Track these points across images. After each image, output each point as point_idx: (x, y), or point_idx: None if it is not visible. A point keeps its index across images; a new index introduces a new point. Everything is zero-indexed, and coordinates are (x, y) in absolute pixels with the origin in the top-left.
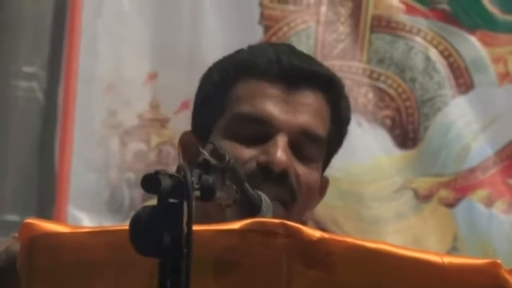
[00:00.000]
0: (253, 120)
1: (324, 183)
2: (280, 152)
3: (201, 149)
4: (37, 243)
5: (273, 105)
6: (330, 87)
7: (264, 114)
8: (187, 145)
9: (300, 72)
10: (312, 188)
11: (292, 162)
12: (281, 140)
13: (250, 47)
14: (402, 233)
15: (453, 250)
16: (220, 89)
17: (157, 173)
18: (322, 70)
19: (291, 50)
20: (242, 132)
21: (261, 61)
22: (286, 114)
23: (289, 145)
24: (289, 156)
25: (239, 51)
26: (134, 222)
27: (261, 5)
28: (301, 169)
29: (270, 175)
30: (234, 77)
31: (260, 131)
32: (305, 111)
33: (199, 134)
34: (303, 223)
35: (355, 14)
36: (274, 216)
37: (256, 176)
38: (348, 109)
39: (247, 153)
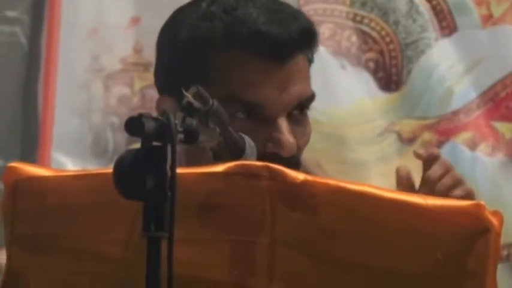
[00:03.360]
0: (250, 106)
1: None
2: (287, 136)
3: (184, 92)
4: (21, 186)
5: (266, 86)
6: (310, 44)
7: (261, 99)
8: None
9: (283, 44)
10: (308, 142)
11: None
12: (283, 123)
13: (224, 10)
14: (386, 175)
15: None
16: (196, 57)
17: (141, 116)
18: (303, 31)
19: (268, 10)
20: (238, 118)
21: (239, 33)
22: (281, 92)
23: (287, 117)
24: (293, 136)
25: (209, 15)
26: (118, 165)
27: None
28: (299, 134)
29: (280, 159)
30: (211, 47)
31: (258, 115)
32: (296, 80)
33: (177, 96)
34: None
35: None
36: None
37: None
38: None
39: (254, 135)
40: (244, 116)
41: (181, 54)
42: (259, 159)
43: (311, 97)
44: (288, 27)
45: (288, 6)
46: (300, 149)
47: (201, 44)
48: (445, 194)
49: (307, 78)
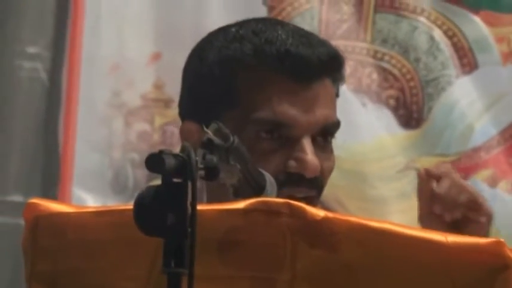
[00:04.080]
0: (274, 125)
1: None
2: (311, 156)
3: (205, 129)
4: (41, 223)
5: (291, 105)
6: (338, 69)
7: (286, 118)
8: (190, 134)
9: (311, 65)
10: (332, 170)
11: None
12: (307, 144)
13: (253, 32)
14: (406, 212)
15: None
16: (223, 78)
17: (161, 152)
18: (330, 55)
19: (296, 34)
20: (262, 138)
21: (268, 52)
22: (306, 113)
23: (311, 139)
24: (317, 157)
25: (239, 37)
26: (138, 202)
27: None
28: (324, 160)
29: (302, 180)
30: (239, 67)
31: (282, 135)
32: (322, 103)
33: (202, 121)
34: None
35: None
36: None
37: (287, 183)
38: (343, 80)
39: (274, 162)
40: (268, 136)
41: (208, 76)
42: (281, 179)
43: (336, 124)
44: (316, 49)
45: (314, 33)
46: (323, 174)
47: (230, 64)
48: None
49: (333, 104)
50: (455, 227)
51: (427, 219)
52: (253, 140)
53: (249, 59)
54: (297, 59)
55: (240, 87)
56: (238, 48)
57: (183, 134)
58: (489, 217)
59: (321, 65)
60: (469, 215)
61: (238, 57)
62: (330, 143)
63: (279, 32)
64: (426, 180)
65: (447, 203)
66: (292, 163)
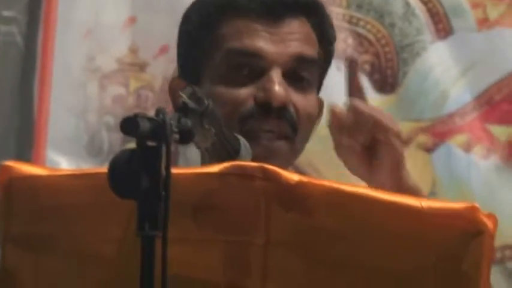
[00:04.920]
0: (243, 56)
1: (319, 104)
2: (278, 86)
3: (180, 93)
4: (15, 185)
5: (261, 39)
6: (312, 10)
7: (253, 48)
8: (176, 91)
9: (281, 4)
10: (311, 116)
11: (289, 94)
12: (276, 74)
13: None
14: None
15: (431, 195)
16: (204, 30)
17: (136, 115)
18: None
19: None
20: (234, 71)
21: (238, 1)
22: (276, 45)
23: (283, 75)
24: (286, 89)
25: None
26: (113, 165)
27: None
28: (298, 99)
29: (270, 111)
30: (216, 17)
31: (252, 67)
32: (294, 39)
33: (188, 78)
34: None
35: None
36: (279, 153)
37: (255, 114)
38: (331, 27)
39: (243, 93)
40: (240, 72)
41: (188, 29)
42: (250, 111)
43: (310, 59)
44: None
45: None
46: (298, 112)
47: (206, 10)
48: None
49: (307, 40)
50: (370, 155)
51: (341, 152)
52: (226, 75)
53: (224, 4)
54: (258, 2)
55: (216, 29)
56: (211, 2)
57: (171, 91)
58: (397, 135)
59: (282, 5)
60: (378, 137)
61: (210, 11)
62: (309, 84)
63: None
64: (333, 114)
65: (353, 132)
66: (259, 94)
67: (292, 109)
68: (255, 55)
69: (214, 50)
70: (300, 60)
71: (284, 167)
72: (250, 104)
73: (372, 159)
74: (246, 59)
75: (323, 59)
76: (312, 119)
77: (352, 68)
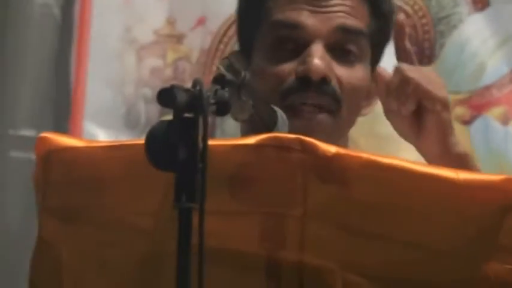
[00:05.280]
0: (285, 28)
1: (375, 80)
2: (317, 59)
3: (218, 65)
4: (53, 156)
5: (303, 11)
6: None
7: (294, 20)
8: None
9: None
10: (357, 89)
11: (332, 67)
12: (316, 47)
13: None
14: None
15: None
16: (254, 4)
17: (173, 87)
18: None
19: None
20: (278, 45)
21: None
22: (317, 18)
23: (327, 49)
24: (327, 62)
25: None
26: (150, 137)
27: None
28: (342, 71)
29: (310, 84)
30: None
31: (295, 41)
32: (336, 11)
33: (244, 52)
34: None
35: None
36: (321, 127)
37: (296, 88)
38: (385, 1)
39: (286, 68)
40: (284, 47)
41: (243, 9)
42: (291, 85)
43: (354, 30)
44: None
45: None
46: (341, 85)
47: None
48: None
49: (352, 12)
50: (418, 120)
51: (389, 115)
52: (271, 49)
53: None
54: None
55: (265, 2)
56: None
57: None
58: (443, 103)
59: None
60: (423, 104)
61: None
62: (356, 57)
63: None
64: (379, 77)
65: (399, 97)
66: (299, 68)
67: (334, 82)
68: (296, 27)
69: (262, 24)
70: (343, 31)
71: (330, 141)
72: (291, 78)
73: (420, 124)
74: (287, 31)
75: (376, 31)
76: (359, 92)
77: (399, 32)
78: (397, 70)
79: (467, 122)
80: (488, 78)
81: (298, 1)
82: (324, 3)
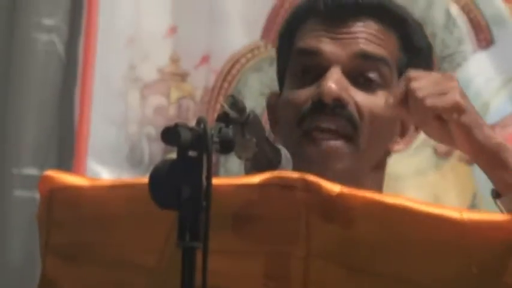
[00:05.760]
0: (305, 55)
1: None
2: (330, 81)
3: (222, 103)
4: (56, 195)
5: (321, 38)
6: (382, 13)
7: (313, 47)
8: (272, 104)
9: (343, 7)
10: (378, 117)
11: (349, 91)
12: (332, 72)
13: None
14: (422, 189)
15: (472, 207)
16: (285, 38)
17: (177, 125)
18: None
19: None
20: (301, 73)
21: (309, 3)
22: (336, 45)
23: (346, 75)
24: (342, 85)
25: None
26: (154, 175)
27: None
28: (361, 97)
29: (324, 108)
30: (294, 24)
31: (315, 68)
32: (355, 37)
33: (280, 89)
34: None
35: None
36: (336, 154)
37: (311, 112)
38: (420, 34)
39: (304, 94)
40: (305, 75)
41: (278, 44)
42: (307, 109)
43: (374, 57)
44: None
45: None
46: (360, 111)
47: (286, 28)
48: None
49: (374, 40)
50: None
51: (415, 122)
52: (295, 78)
53: (303, 6)
54: (330, 1)
55: (294, 36)
56: (295, 8)
57: (267, 106)
58: (457, 108)
59: (356, 5)
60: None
61: (295, 10)
62: (379, 84)
63: None
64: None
65: (411, 109)
66: (314, 92)
67: (352, 106)
68: (315, 54)
69: (290, 54)
70: (362, 57)
71: (349, 171)
72: (308, 104)
73: (448, 128)
74: (308, 58)
75: (406, 64)
76: (383, 121)
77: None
78: (403, 79)
79: (470, 162)
80: (492, 117)
81: (319, 29)
82: (344, 30)
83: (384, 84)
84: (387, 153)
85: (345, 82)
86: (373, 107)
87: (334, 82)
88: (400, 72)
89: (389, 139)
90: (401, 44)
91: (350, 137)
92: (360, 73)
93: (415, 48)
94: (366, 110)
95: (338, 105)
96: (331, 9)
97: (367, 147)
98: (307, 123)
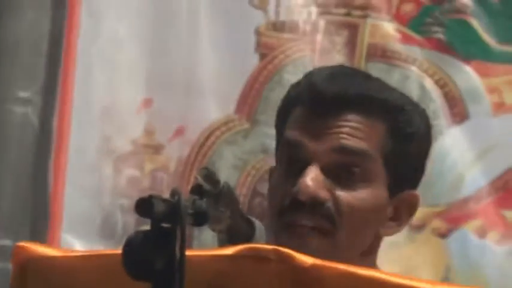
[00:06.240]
0: (289, 147)
1: (407, 200)
2: (307, 180)
3: (196, 175)
4: (30, 266)
5: (305, 131)
6: (366, 104)
7: (295, 140)
8: (269, 177)
9: (326, 99)
10: (359, 209)
11: (328, 188)
12: (311, 168)
13: (311, 72)
14: (395, 262)
15: (445, 280)
16: (280, 122)
17: (151, 197)
18: (357, 92)
19: (333, 73)
20: (286, 163)
21: (301, 87)
22: (318, 139)
23: (327, 170)
24: (320, 183)
25: (298, 82)
26: (127, 246)
27: (257, 32)
28: (341, 193)
29: (302, 205)
30: (287, 106)
31: (299, 160)
32: (338, 132)
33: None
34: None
35: (351, 43)
36: (312, 249)
37: (289, 208)
38: (413, 119)
39: (285, 187)
40: (288, 167)
41: (275, 125)
42: (285, 205)
43: (354, 151)
44: (341, 85)
45: (366, 75)
46: (338, 207)
47: (281, 111)
48: None
49: (356, 133)
50: None
51: None
52: (281, 166)
53: (292, 94)
54: (314, 93)
55: (287, 121)
56: (288, 92)
57: (269, 178)
58: None
59: (338, 99)
60: None
61: (289, 90)
62: (362, 179)
63: (326, 71)
64: None
65: None
66: (293, 188)
67: (329, 204)
68: (298, 147)
69: (282, 136)
70: (341, 152)
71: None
72: (288, 199)
73: None
74: (291, 149)
75: (394, 152)
76: (364, 214)
77: None
78: None
79: (444, 235)
80: (466, 190)
81: (304, 120)
82: (326, 124)
83: (366, 178)
84: (379, 238)
85: (323, 179)
86: (352, 202)
87: (311, 180)
88: (387, 160)
89: (377, 226)
90: (389, 131)
91: (328, 232)
92: (341, 167)
93: (406, 134)
94: (344, 206)
95: (316, 203)
96: (314, 102)
97: (346, 240)
98: (287, 217)
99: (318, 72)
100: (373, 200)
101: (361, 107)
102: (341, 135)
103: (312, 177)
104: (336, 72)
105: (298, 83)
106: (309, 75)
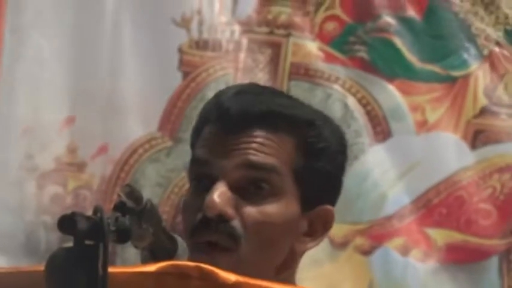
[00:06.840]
0: (196, 164)
1: (322, 216)
2: (214, 196)
3: (119, 192)
4: None
5: (212, 148)
6: (272, 120)
7: (202, 157)
8: None
9: (233, 116)
10: (266, 224)
11: (234, 204)
12: (217, 185)
13: (215, 96)
14: (317, 279)
15: None
16: (192, 140)
17: (73, 214)
18: (262, 110)
19: (241, 91)
20: (196, 180)
21: (208, 108)
22: (224, 156)
23: (235, 186)
24: (227, 199)
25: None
26: (50, 263)
27: (180, 50)
28: (248, 209)
29: (210, 223)
30: (197, 128)
31: (208, 177)
32: (245, 148)
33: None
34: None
35: (274, 61)
36: (217, 265)
37: (198, 225)
38: (324, 134)
39: (196, 205)
40: (198, 184)
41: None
42: (195, 224)
43: (265, 165)
44: (246, 102)
45: (275, 92)
46: (244, 223)
47: (194, 127)
48: None
49: (262, 148)
50: None
51: None
52: (191, 183)
53: (202, 113)
54: (221, 110)
55: (195, 141)
56: (204, 105)
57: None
58: None
59: (244, 116)
60: None
61: (200, 112)
62: (270, 193)
63: (233, 89)
64: None
65: None
66: (203, 206)
67: (235, 220)
68: (205, 164)
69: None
70: (247, 168)
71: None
72: (200, 215)
73: None
74: (199, 167)
75: (304, 167)
76: (272, 228)
77: None
78: None
79: (367, 253)
80: (389, 208)
81: (212, 138)
82: (234, 141)
83: (275, 193)
84: (295, 253)
85: (230, 196)
86: (259, 218)
87: (218, 197)
88: (297, 174)
89: (290, 241)
90: (298, 146)
91: (229, 249)
92: (249, 183)
93: (317, 149)
94: (251, 222)
95: (221, 220)
96: (221, 119)
97: (255, 256)
98: (196, 235)
99: (225, 91)
100: (282, 215)
101: (267, 122)
102: (248, 151)
103: (218, 194)
104: (243, 90)
105: (208, 102)
106: (217, 94)
